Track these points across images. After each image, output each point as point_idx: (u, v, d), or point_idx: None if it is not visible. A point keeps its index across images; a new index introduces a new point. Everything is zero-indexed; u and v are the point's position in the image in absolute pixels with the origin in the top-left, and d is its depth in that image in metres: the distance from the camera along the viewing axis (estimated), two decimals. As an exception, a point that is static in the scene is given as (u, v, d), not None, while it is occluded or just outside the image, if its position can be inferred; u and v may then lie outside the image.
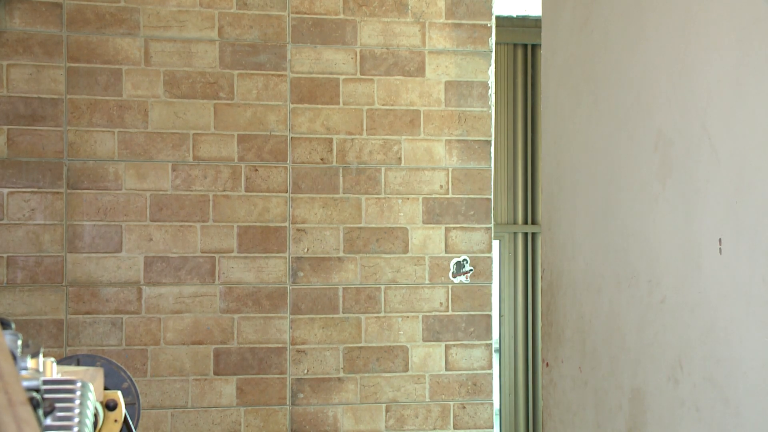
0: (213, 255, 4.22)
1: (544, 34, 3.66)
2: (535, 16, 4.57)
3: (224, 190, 4.23)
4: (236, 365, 4.21)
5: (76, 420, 1.08)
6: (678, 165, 2.67)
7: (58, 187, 4.08)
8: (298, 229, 4.26)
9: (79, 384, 1.14)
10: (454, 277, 4.36)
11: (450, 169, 4.44)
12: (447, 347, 4.32)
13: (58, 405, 1.09)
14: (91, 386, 1.19)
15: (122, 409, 1.50)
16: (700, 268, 2.58)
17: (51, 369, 1.13)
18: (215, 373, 4.20)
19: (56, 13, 4.10)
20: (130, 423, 1.55)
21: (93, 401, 1.15)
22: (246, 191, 4.25)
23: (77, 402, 1.11)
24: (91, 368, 1.36)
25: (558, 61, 3.52)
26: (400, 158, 4.35)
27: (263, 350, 4.22)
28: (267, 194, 4.25)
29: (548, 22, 3.62)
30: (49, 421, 1.06)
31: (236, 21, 4.26)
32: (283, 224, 4.26)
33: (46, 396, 1.10)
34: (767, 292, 2.39)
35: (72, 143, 4.10)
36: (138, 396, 1.64)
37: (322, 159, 4.32)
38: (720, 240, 2.50)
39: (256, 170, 4.26)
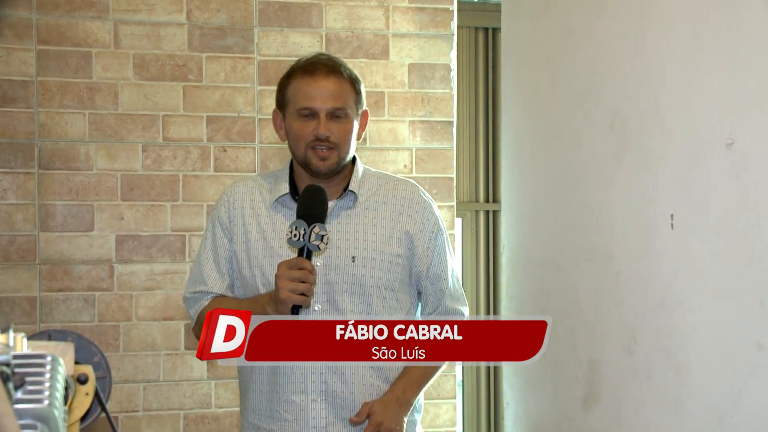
0: (183, 233, 4.20)
1: (505, 18, 3.67)
2: (496, 1, 4.56)
3: (194, 170, 4.21)
4: (207, 340, 4.20)
5: (47, 393, 1.08)
6: (632, 144, 2.69)
7: (29, 167, 4.05)
8: (266, 208, 4.25)
9: (49, 358, 1.13)
10: None
11: (414, 149, 4.44)
12: (411, 321, 4.33)
13: (28, 379, 1.08)
14: (61, 360, 1.19)
15: (93, 382, 1.50)
16: (653, 243, 2.60)
17: (21, 344, 1.12)
18: (186, 348, 4.19)
19: (26, -4, 4.06)
20: (101, 396, 1.54)
21: (63, 375, 1.14)
22: (215, 171, 4.23)
23: (47, 375, 1.10)
24: (61, 343, 1.35)
25: (518, 44, 3.52)
26: (365, 138, 4.34)
27: (233, 326, 4.21)
28: (236, 174, 4.24)
29: (508, 6, 3.63)
30: (20, 395, 1.06)
31: (204, 5, 4.23)
32: (251, 203, 4.25)
33: (17, 370, 1.10)
34: (717, 266, 2.42)
35: (43, 124, 4.06)
36: (109, 370, 1.64)
37: (289, 139, 4.31)
38: (672, 216, 2.52)
39: (225, 151, 4.25)
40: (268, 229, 2.78)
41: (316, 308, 2.71)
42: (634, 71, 2.69)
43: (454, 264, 2.94)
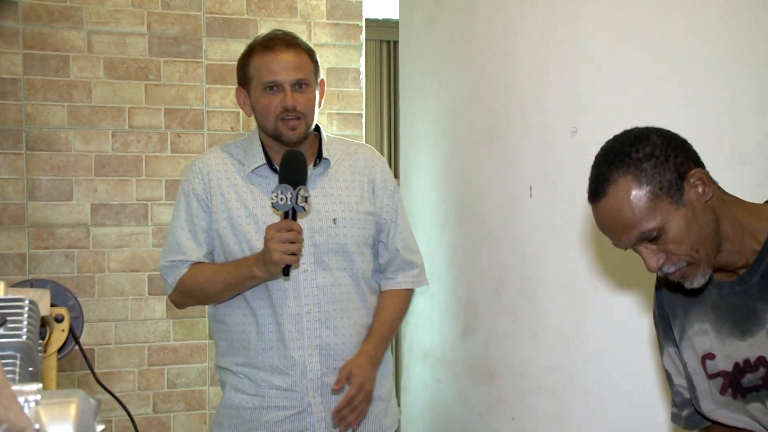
0: (146, 202, 4.12)
1: (401, 30, 3.65)
2: (397, 19, 4.55)
3: (154, 152, 4.13)
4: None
5: (25, 330, 1.04)
6: (500, 131, 2.71)
7: (18, 149, 3.92)
8: (213, 182, 4.18)
9: (27, 301, 1.09)
10: None
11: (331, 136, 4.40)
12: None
13: (9, 318, 1.05)
14: (38, 303, 1.15)
15: (68, 320, 1.47)
16: (516, 208, 2.62)
17: (2, 290, 1.08)
18: (149, 294, 4.12)
19: (13, 9, 3.90)
20: (75, 332, 1.51)
21: (39, 314, 1.11)
22: (171, 152, 4.15)
23: (26, 315, 1.06)
24: (39, 289, 1.31)
25: (412, 52, 3.51)
26: (292, 127, 4.30)
27: (187, 276, 4.15)
28: (188, 155, 4.16)
29: (404, 21, 3.61)
30: (1, 331, 1.02)
31: (161, 19, 4.13)
32: (201, 178, 4.18)
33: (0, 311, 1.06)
34: (564, 226, 2.45)
35: (29, 114, 3.93)
36: (81, 311, 1.59)
37: (231, 127, 4.25)
38: (531, 187, 2.55)
39: (180, 136, 4.17)
40: (248, 198, 2.39)
41: (308, 269, 2.38)
42: (501, 76, 2.70)
43: (406, 218, 2.66)
